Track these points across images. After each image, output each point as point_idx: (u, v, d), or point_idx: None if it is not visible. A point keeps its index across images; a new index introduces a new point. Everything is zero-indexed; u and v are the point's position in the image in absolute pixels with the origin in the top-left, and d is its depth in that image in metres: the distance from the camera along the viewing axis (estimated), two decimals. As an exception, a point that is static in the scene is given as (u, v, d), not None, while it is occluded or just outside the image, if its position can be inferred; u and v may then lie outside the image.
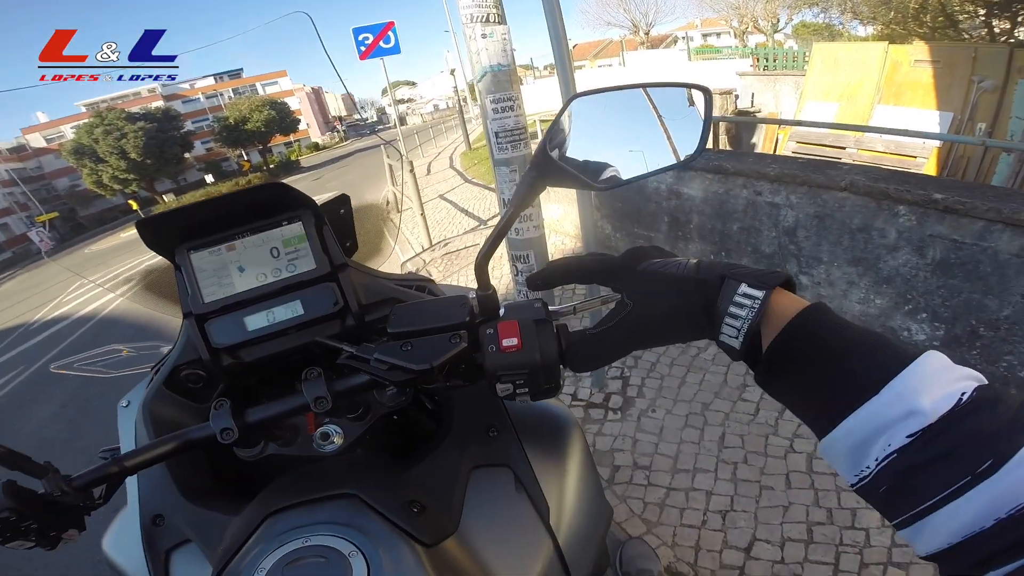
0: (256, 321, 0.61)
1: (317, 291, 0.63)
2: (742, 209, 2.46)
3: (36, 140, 38.61)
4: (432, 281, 0.79)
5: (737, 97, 8.05)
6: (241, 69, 51.00)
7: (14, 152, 38.21)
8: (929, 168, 4.49)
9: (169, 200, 27.44)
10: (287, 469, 0.56)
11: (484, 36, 2.22)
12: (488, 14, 2.17)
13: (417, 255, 4.66)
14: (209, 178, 34.55)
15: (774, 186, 2.28)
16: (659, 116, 0.52)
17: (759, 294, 0.37)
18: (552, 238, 4.13)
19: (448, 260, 4.38)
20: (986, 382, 0.29)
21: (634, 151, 0.51)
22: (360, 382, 0.50)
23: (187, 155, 33.50)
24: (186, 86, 45.93)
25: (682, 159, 0.52)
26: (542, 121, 9.70)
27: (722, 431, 1.99)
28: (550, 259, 2.58)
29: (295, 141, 47.98)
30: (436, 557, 0.44)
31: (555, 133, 0.47)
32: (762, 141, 6.40)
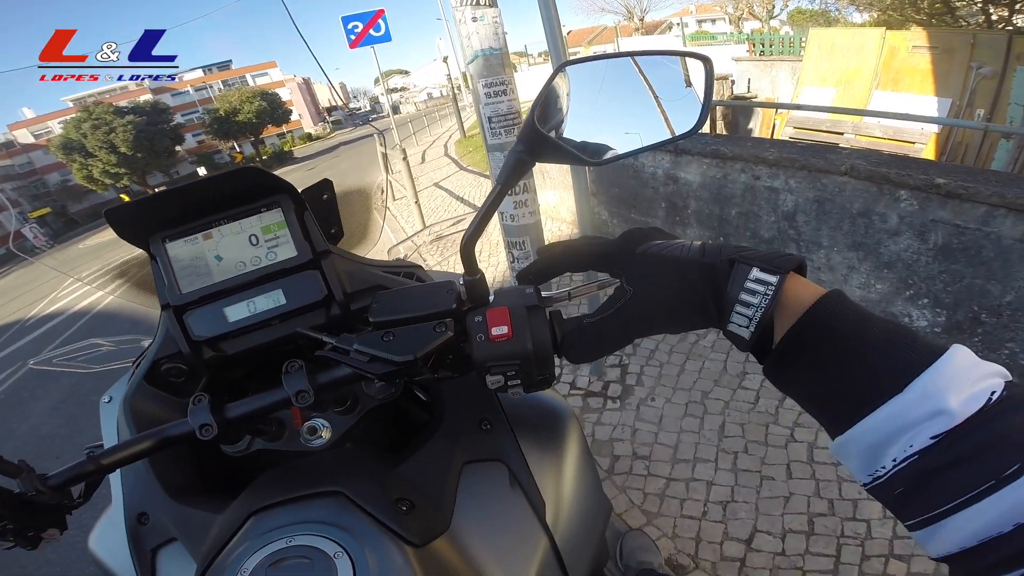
0: (237, 312, 0.59)
1: (300, 279, 0.60)
2: (740, 194, 2.43)
3: (24, 136, 38.14)
4: (421, 268, 0.76)
5: (733, 83, 7.99)
6: (230, 61, 50.62)
7: (2, 148, 37.77)
8: (927, 154, 4.47)
9: (161, 193, 27.38)
10: (274, 465, 0.54)
11: (475, 19, 2.17)
12: (478, -4, 2.12)
13: (408, 238, 4.62)
14: (201, 170, 34.33)
15: (773, 170, 2.24)
16: (656, 89, 0.49)
17: (772, 279, 0.34)
18: (548, 224, 4.10)
19: (442, 247, 4.34)
20: (1011, 378, 0.28)
21: (628, 125, 0.48)
22: (343, 375, 0.48)
23: (178, 148, 33.43)
24: (174, 79, 45.43)
25: (679, 133, 0.48)
26: (537, 109, 9.67)
27: (722, 420, 1.97)
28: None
29: (288, 132, 47.67)
30: (426, 557, 0.43)
31: (544, 105, 0.44)
32: (759, 126, 6.36)
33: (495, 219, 0.97)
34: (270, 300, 0.59)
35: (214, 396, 0.48)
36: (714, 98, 0.54)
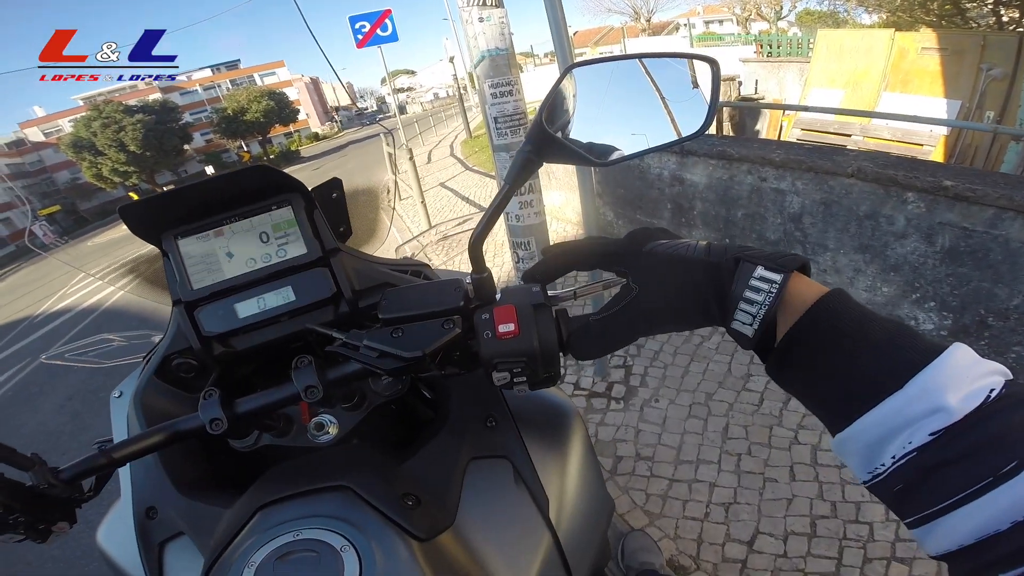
0: (247, 308, 0.60)
1: (309, 276, 0.61)
2: (747, 195, 2.42)
3: (35, 134, 38.54)
4: (428, 266, 0.77)
5: (740, 84, 7.95)
6: (238, 60, 50.93)
7: (13, 146, 38.16)
8: (936, 156, 4.43)
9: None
10: (281, 461, 0.54)
11: (481, 20, 2.18)
12: (484, -3, 2.13)
13: (414, 238, 4.64)
14: (209, 169, 34.56)
15: (779, 172, 2.24)
16: (662, 90, 0.49)
17: (776, 277, 0.34)
18: (553, 225, 4.10)
19: (447, 246, 4.35)
20: (1011, 376, 0.28)
21: (636, 126, 0.49)
22: (352, 370, 0.48)
23: (186, 147, 33.59)
24: (183, 78, 45.78)
25: (686, 134, 0.48)
26: (543, 109, 9.65)
27: (726, 422, 1.97)
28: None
29: (295, 131, 47.86)
30: (431, 552, 0.43)
31: (552, 106, 0.44)
32: (766, 128, 6.32)
33: (500, 219, 0.98)
34: (280, 297, 0.60)
35: (224, 391, 0.48)
36: (721, 99, 0.54)
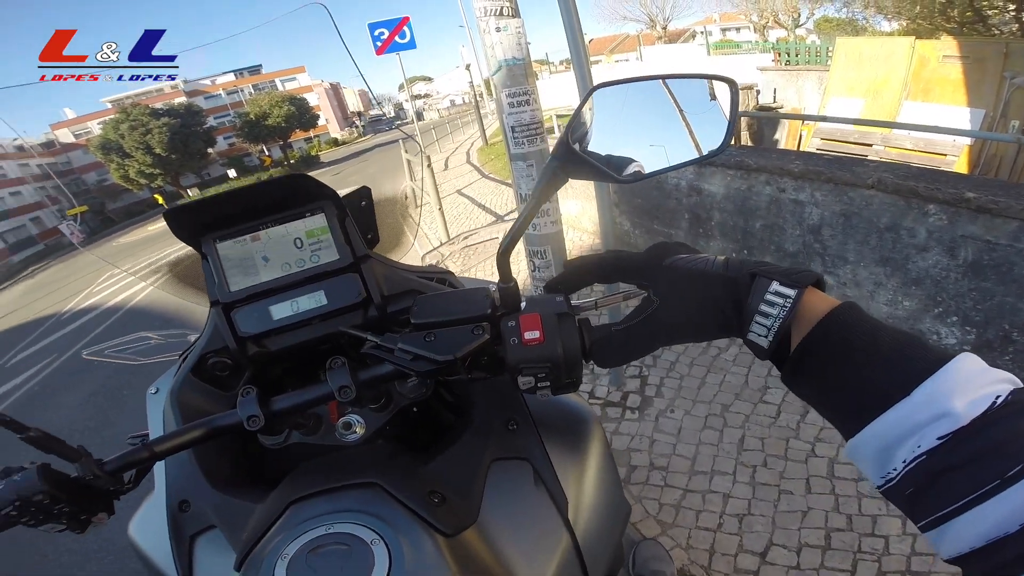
0: (281, 310, 0.62)
1: (340, 282, 0.63)
2: (765, 206, 2.41)
3: (65, 136, 39.71)
4: (452, 274, 0.79)
5: (758, 92, 7.89)
6: (260, 65, 51.79)
7: (44, 147, 39.39)
8: (960, 167, 4.35)
9: (193, 194, 27.97)
10: (309, 458, 0.56)
11: (498, 30, 2.21)
12: (502, 7, 2.16)
13: (435, 248, 4.69)
14: (232, 173, 35.25)
15: (798, 183, 2.23)
16: (683, 109, 0.51)
17: (791, 292, 0.36)
18: (569, 234, 4.11)
19: (465, 254, 4.39)
20: (1021, 385, 0.29)
21: (656, 144, 0.50)
22: (384, 372, 0.50)
23: (210, 150, 34.14)
24: (207, 82, 46.77)
25: (706, 152, 0.50)
26: (558, 116, 9.66)
27: (742, 433, 1.96)
28: (567, 255, 2.57)
29: (315, 136, 48.53)
30: (456, 547, 0.44)
31: (577, 125, 0.46)
32: (785, 137, 6.27)
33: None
34: (312, 300, 0.63)
35: (261, 390, 0.50)
36: (739, 110, 0.55)
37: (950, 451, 0.28)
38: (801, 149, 5.22)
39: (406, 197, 6.15)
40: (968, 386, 0.28)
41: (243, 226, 0.63)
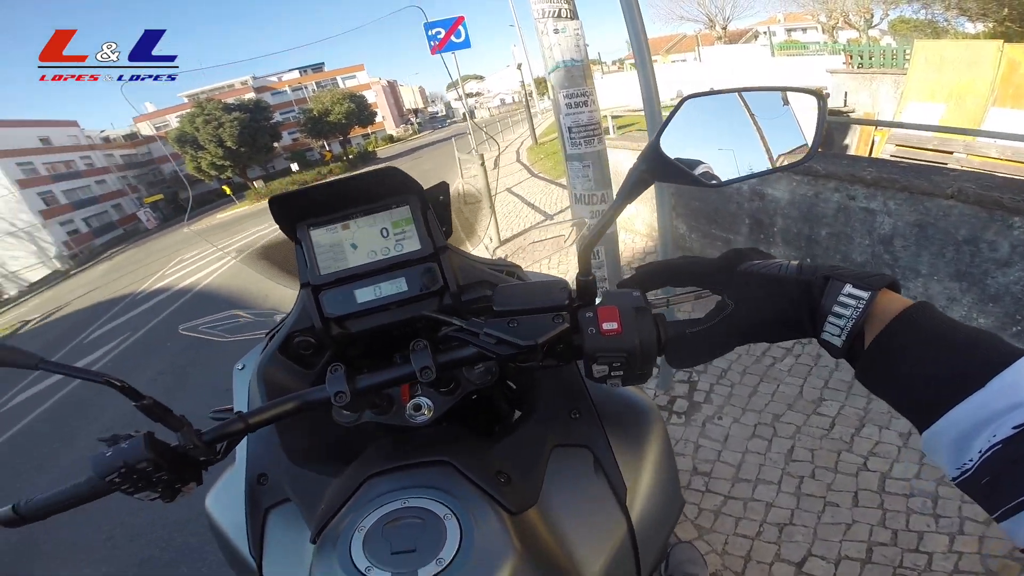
0: (365, 294, 0.66)
1: (420, 270, 0.67)
2: (832, 214, 2.32)
3: (146, 128, 42.87)
4: (519, 268, 0.83)
5: (828, 96, 7.53)
6: (323, 63, 53.87)
7: (128, 139, 42.69)
8: (1054, 178, 4.00)
9: (259, 186, 29.34)
10: (376, 437, 0.60)
11: (556, 31, 2.23)
12: (560, 9, 2.17)
13: (503, 243, 4.79)
14: (295, 167, 36.81)
15: (870, 191, 2.13)
16: (767, 119, 0.52)
17: (864, 295, 0.37)
18: (622, 236, 4.09)
19: (523, 253, 4.44)
20: None
21: (739, 152, 0.52)
22: (462, 355, 0.52)
23: (276, 144, 35.44)
24: (274, 79, 49.23)
25: (786, 162, 0.52)
26: (613, 117, 9.54)
27: (791, 444, 1.91)
28: (621, 256, 2.56)
29: (372, 133, 49.99)
30: (520, 524, 0.46)
31: (667, 132, 0.49)
32: (856, 143, 5.95)
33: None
34: (394, 286, 0.67)
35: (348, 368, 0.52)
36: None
37: None
38: (873, 156, 4.95)
39: (459, 195, 6.28)
40: None
41: (335, 215, 0.67)
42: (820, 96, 0.50)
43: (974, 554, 1.42)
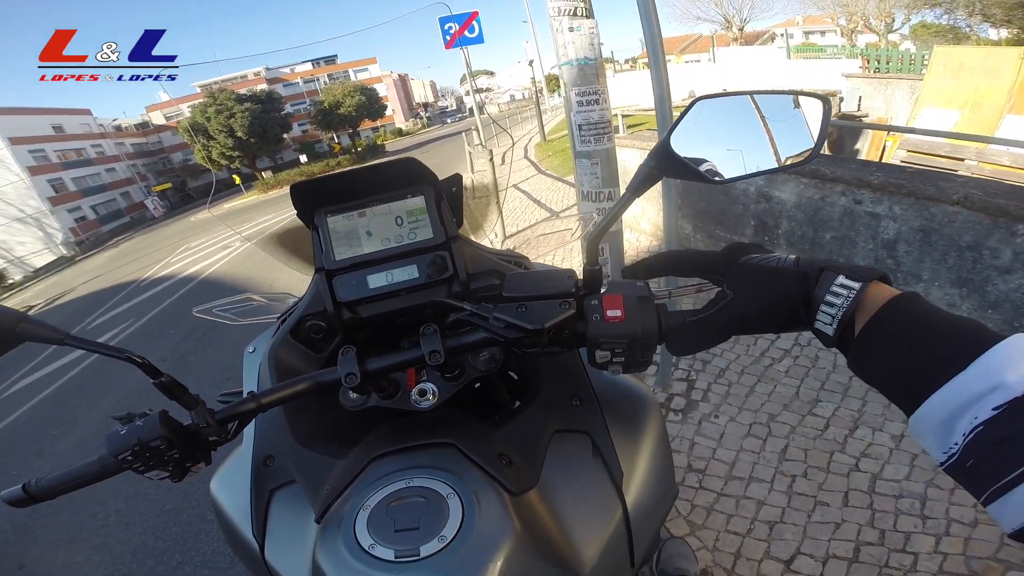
0: (377, 280, 0.68)
1: (432, 258, 0.69)
2: (838, 217, 2.33)
3: (157, 117, 43.13)
4: (527, 259, 0.85)
5: (841, 100, 7.48)
6: (336, 55, 53.92)
7: (139, 128, 42.98)
8: (1066, 188, 3.95)
9: (267, 177, 29.34)
10: (381, 421, 0.61)
11: (571, 29, 2.23)
12: (575, 7, 2.17)
13: (510, 236, 4.81)
14: (303, 158, 36.82)
15: (877, 195, 2.13)
16: (774, 121, 0.54)
17: (856, 285, 0.39)
18: (627, 234, 4.10)
19: (530, 245, 4.47)
20: None
21: (745, 151, 0.54)
22: (470, 340, 0.53)
23: (286, 136, 35.45)
24: (287, 71, 49.31)
25: (789, 163, 0.54)
26: (624, 115, 9.51)
27: (785, 444, 1.92)
28: (625, 254, 2.57)
29: (381, 126, 49.97)
30: (520, 505, 0.48)
31: (678, 130, 0.51)
32: (867, 147, 5.90)
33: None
34: (405, 273, 0.68)
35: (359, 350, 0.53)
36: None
37: (1006, 422, 0.28)
38: (884, 161, 4.91)
39: (467, 189, 6.30)
40: (1021, 361, 0.29)
41: (353, 203, 0.69)
42: (825, 100, 0.51)
43: (959, 555, 1.44)
